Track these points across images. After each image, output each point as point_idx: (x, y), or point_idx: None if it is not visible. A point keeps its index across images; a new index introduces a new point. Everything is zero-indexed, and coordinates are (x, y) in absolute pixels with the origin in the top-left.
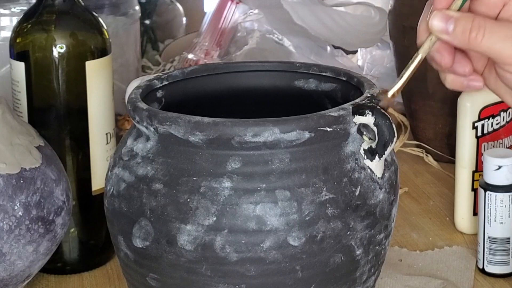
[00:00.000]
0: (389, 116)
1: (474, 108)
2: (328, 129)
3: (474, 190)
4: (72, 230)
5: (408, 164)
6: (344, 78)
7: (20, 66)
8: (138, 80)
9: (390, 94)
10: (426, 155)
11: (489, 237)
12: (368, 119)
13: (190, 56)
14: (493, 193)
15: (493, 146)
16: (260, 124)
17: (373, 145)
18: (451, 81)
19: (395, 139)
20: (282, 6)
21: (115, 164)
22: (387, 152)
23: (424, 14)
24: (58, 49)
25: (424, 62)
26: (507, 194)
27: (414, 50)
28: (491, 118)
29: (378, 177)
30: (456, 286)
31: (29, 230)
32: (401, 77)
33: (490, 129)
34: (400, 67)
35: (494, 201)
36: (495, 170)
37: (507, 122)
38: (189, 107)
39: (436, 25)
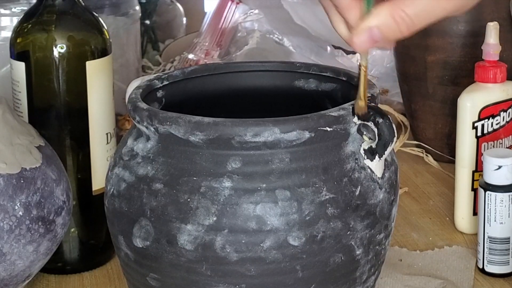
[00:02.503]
0: (389, 116)
1: (474, 108)
2: (328, 129)
3: (474, 190)
4: (72, 230)
5: (408, 164)
6: (344, 78)
7: (20, 66)
8: (139, 80)
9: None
10: (426, 155)
11: (489, 237)
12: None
13: (191, 56)
14: (493, 193)
15: (493, 146)
16: (260, 124)
17: (373, 145)
18: None
19: (395, 139)
20: (282, 6)
21: (115, 164)
22: (387, 152)
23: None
24: (59, 49)
25: (424, 62)
26: (507, 194)
27: (414, 50)
28: (491, 118)
29: (378, 177)
30: (456, 286)
31: (29, 230)
32: (359, 97)
33: (490, 129)
34: (400, 67)
35: (494, 201)
36: (495, 170)
37: (507, 122)
38: (190, 107)
39: (363, 42)
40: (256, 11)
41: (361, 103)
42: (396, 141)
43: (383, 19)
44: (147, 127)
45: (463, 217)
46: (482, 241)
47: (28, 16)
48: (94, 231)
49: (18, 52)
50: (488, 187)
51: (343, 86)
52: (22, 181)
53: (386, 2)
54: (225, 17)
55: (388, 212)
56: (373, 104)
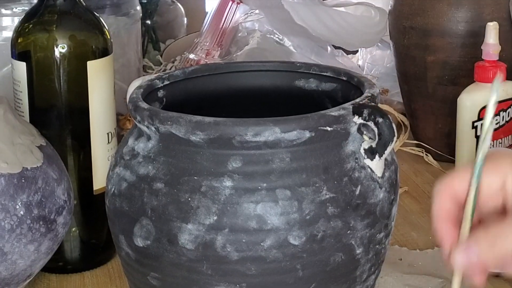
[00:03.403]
0: (389, 116)
1: (474, 108)
2: (329, 129)
3: None
4: (73, 229)
5: (408, 163)
6: (344, 78)
7: (21, 66)
8: (140, 80)
9: None
10: (426, 154)
11: None
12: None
13: (191, 56)
14: None
15: (493, 146)
16: (261, 123)
17: (373, 145)
18: None
19: (395, 138)
20: (283, 6)
21: (116, 164)
22: (387, 152)
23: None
24: (60, 49)
25: (424, 62)
26: None
27: (414, 50)
28: None
29: (378, 177)
30: None
31: (30, 230)
32: None
33: None
34: (400, 67)
35: None
36: None
37: (507, 121)
38: (190, 106)
39: (461, 262)
40: (257, 11)
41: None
42: (396, 141)
43: (481, 239)
44: (148, 127)
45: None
46: None
47: (29, 16)
48: (95, 230)
49: (19, 52)
50: None
51: (343, 86)
52: (23, 180)
53: (484, 225)
54: (225, 17)
55: (388, 212)
56: (373, 104)
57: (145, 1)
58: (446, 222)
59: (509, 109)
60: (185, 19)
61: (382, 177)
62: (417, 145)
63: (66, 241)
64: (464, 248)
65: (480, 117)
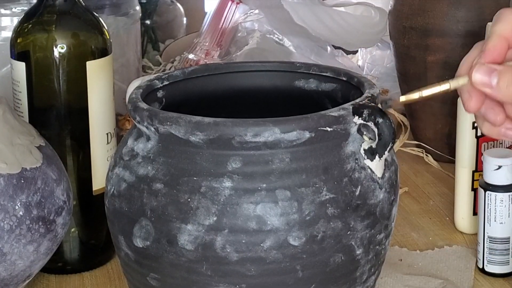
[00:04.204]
0: (389, 116)
1: None
2: (329, 129)
3: (474, 190)
4: (72, 230)
5: (408, 164)
6: (344, 78)
7: (20, 66)
8: (139, 80)
9: (401, 99)
10: (426, 155)
11: (489, 237)
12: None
13: (191, 56)
14: (493, 193)
15: (493, 146)
16: (261, 124)
17: (373, 145)
18: (488, 129)
19: (395, 139)
20: (283, 6)
21: (115, 164)
22: (387, 152)
23: (471, 53)
24: (59, 49)
25: (424, 62)
26: (507, 194)
27: (414, 50)
28: None
29: (378, 177)
30: (456, 285)
31: (29, 230)
32: (420, 91)
33: None
34: (400, 67)
35: (494, 201)
36: (495, 170)
37: None
38: (190, 107)
39: (479, 78)
40: (256, 11)
41: (399, 103)
42: (396, 141)
43: (509, 69)
44: (147, 127)
45: (463, 217)
46: (482, 241)
47: (28, 16)
48: (94, 231)
49: (19, 52)
50: (488, 187)
51: (343, 86)
52: (22, 181)
53: None
54: (225, 17)
55: (388, 212)
56: (373, 104)
57: (145, 1)
58: (502, 41)
59: None
60: (185, 19)
61: (382, 177)
62: (417, 146)
63: (66, 241)
64: (491, 69)
65: None
